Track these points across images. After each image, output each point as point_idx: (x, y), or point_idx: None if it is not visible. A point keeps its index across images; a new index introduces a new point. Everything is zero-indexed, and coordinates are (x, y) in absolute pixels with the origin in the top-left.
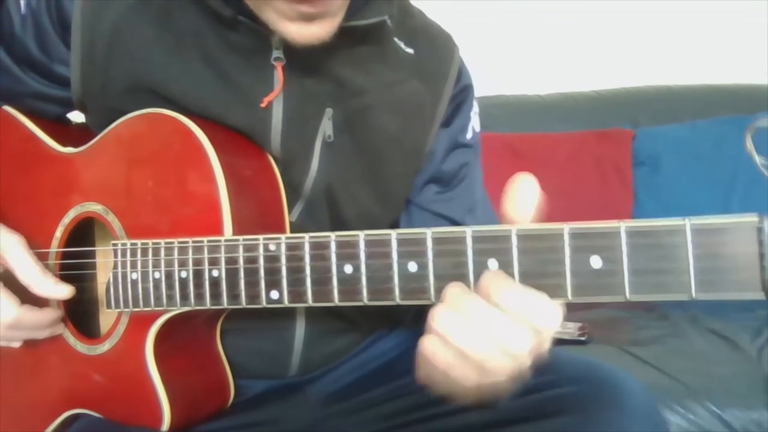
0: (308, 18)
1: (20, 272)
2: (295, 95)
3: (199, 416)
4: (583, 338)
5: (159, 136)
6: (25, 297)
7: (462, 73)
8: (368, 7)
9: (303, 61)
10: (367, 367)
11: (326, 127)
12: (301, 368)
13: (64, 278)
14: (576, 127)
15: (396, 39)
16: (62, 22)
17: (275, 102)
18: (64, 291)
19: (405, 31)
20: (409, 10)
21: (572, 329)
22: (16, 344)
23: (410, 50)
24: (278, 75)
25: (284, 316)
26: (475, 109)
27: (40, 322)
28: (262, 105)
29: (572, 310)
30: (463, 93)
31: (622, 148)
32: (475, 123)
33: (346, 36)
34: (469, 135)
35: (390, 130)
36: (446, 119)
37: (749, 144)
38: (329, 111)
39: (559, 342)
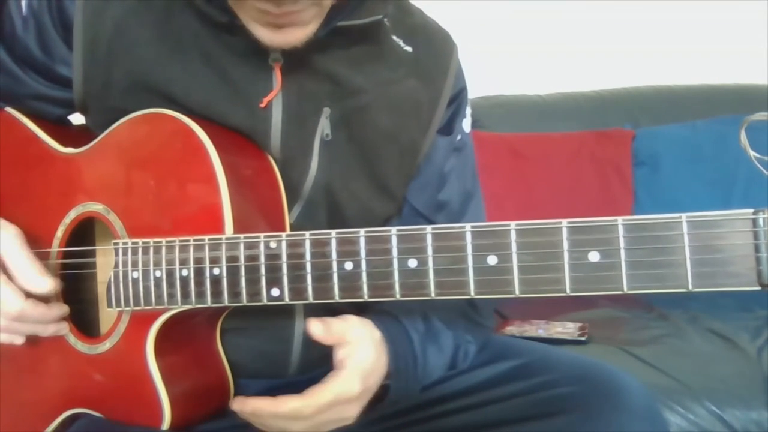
0: (277, 26)
1: (9, 262)
2: (293, 95)
3: (200, 415)
4: (583, 338)
5: (160, 136)
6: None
7: (459, 75)
8: (363, 7)
9: (300, 61)
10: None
11: (324, 126)
12: (301, 367)
13: (65, 278)
14: (576, 127)
15: (395, 37)
16: (63, 23)
17: (275, 102)
18: (45, 285)
19: (404, 28)
20: (408, 8)
21: (572, 329)
22: (19, 340)
23: (409, 48)
24: (276, 75)
25: (284, 315)
26: (468, 110)
27: (44, 317)
28: (262, 105)
29: (572, 310)
30: (459, 96)
31: (622, 148)
32: (465, 125)
33: (342, 36)
34: (458, 137)
35: (386, 127)
36: (445, 126)
37: (743, 138)
38: (327, 110)
39: (559, 342)
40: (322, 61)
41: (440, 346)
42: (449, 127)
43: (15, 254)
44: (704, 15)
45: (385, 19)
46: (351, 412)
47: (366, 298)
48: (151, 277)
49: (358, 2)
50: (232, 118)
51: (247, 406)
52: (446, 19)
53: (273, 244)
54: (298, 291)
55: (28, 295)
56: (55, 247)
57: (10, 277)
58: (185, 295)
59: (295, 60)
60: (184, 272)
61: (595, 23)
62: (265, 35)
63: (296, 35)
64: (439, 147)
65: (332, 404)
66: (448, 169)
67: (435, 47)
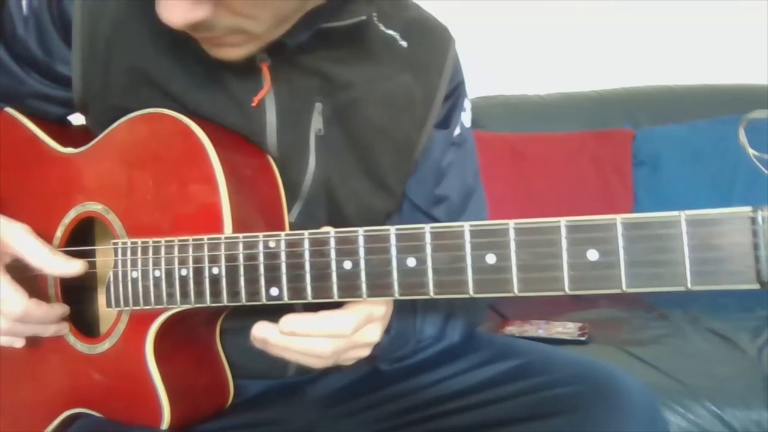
0: (212, 44)
1: (30, 256)
2: (285, 92)
3: (199, 415)
4: (583, 338)
5: (159, 136)
6: (31, 294)
7: (456, 69)
8: (346, 9)
9: (287, 60)
10: (366, 367)
11: (317, 122)
12: (300, 368)
13: (64, 278)
14: (576, 127)
15: (391, 32)
16: (63, 22)
17: (267, 101)
18: (76, 266)
19: (400, 23)
20: (404, 3)
21: (572, 329)
22: (19, 343)
23: (404, 43)
24: (265, 74)
25: (283, 314)
26: (468, 104)
27: (47, 317)
28: (253, 104)
29: (572, 310)
30: (456, 91)
31: (622, 148)
32: (465, 119)
33: (327, 37)
34: (456, 132)
35: (378, 121)
36: (443, 120)
37: (742, 136)
38: (318, 105)
39: (559, 342)
40: (309, 59)
41: (435, 306)
42: (446, 121)
43: (33, 246)
44: (704, 15)
45: (375, 17)
46: (376, 335)
47: (365, 297)
48: (151, 277)
49: (339, 3)
50: (227, 118)
51: (288, 324)
52: (446, 19)
53: (272, 244)
54: (297, 290)
55: (30, 295)
56: (55, 246)
57: (18, 273)
58: (184, 295)
59: (282, 59)
60: (183, 272)
61: (594, 23)
62: (208, 49)
63: (234, 53)
64: (437, 141)
65: (367, 320)
66: (447, 163)
67: (431, 41)
